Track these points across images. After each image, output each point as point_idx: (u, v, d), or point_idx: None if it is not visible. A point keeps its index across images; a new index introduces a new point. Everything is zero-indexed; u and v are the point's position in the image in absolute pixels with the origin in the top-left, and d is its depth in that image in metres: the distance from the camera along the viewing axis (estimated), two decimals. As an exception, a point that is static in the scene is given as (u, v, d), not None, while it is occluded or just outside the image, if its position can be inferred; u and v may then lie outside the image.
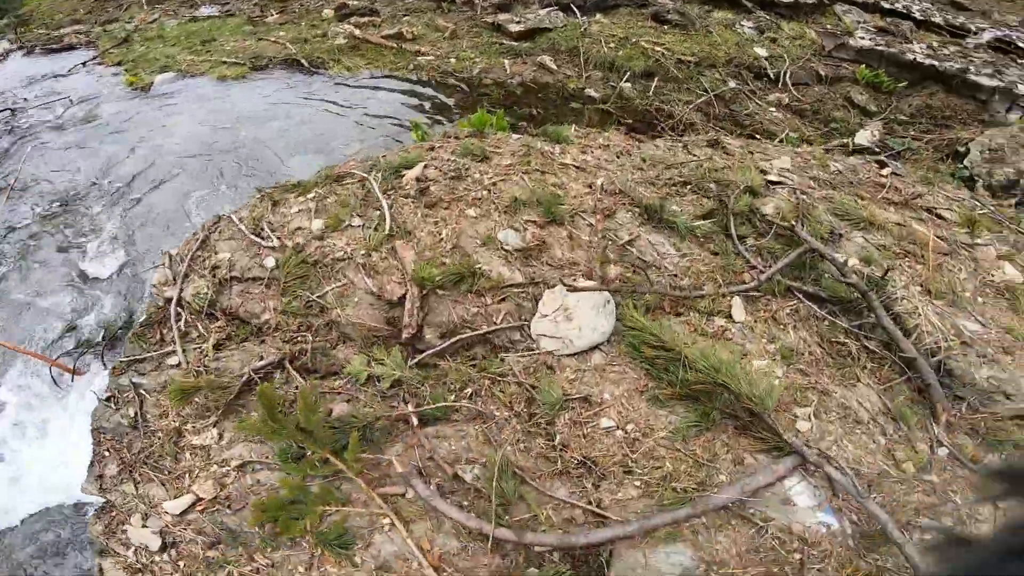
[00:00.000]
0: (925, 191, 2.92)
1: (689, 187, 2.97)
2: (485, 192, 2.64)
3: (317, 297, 2.40)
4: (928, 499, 1.88)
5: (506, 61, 5.68)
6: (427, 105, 4.88)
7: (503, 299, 2.26)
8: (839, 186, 2.93)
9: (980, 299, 2.34)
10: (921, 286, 2.35)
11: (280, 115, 4.33)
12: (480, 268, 2.28)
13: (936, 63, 4.76)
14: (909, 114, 4.50)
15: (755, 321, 2.32)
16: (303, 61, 4.99)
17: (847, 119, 4.54)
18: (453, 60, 5.58)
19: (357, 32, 5.65)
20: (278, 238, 2.46)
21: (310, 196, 2.57)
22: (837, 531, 1.79)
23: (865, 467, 1.90)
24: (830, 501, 1.80)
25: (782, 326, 2.31)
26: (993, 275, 2.42)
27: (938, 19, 6.01)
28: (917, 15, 6.01)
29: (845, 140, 4.27)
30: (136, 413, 2.28)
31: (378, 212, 2.45)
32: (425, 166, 2.74)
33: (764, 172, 2.98)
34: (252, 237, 2.53)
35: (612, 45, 5.81)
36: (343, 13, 6.17)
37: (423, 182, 2.64)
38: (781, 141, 4.25)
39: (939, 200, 2.86)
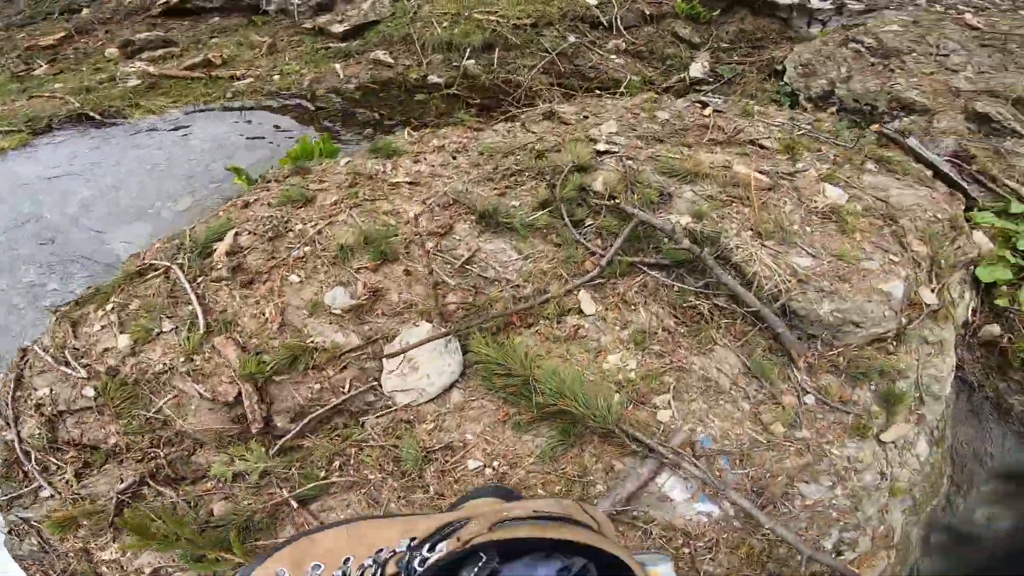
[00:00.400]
0: (745, 123, 2.94)
1: (527, 174, 2.88)
2: (308, 248, 2.44)
3: (154, 414, 2.18)
4: (802, 460, 1.91)
5: (337, 65, 5.30)
6: (258, 133, 4.46)
7: (344, 367, 2.11)
8: (666, 138, 2.90)
9: (808, 229, 2.40)
10: (752, 229, 2.38)
11: (82, 183, 3.74)
12: (312, 342, 2.10)
13: (735, -13, 4.81)
14: (729, 41, 4.56)
15: (606, 309, 2.28)
16: (92, 114, 4.35)
17: (679, 54, 4.54)
18: (277, 77, 5.14)
19: (152, 69, 5.02)
20: (85, 366, 2.19)
21: (109, 307, 2.27)
22: (719, 516, 1.81)
23: (733, 441, 1.92)
24: (703, 489, 1.81)
25: (633, 307, 2.29)
26: (816, 200, 2.47)
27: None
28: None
29: (682, 75, 4.29)
30: (38, 542, 2.22)
31: (190, 307, 2.21)
32: (236, 233, 2.48)
33: (594, 141, 2.91)
34: (62, 369, 2.25)
35: (446, 24, 5.54)
36: (131, 50, 5.42)
37: (236, 255, 2.39)
38: (623, 92, 4.21)
39: (759, 130, 2.90)
